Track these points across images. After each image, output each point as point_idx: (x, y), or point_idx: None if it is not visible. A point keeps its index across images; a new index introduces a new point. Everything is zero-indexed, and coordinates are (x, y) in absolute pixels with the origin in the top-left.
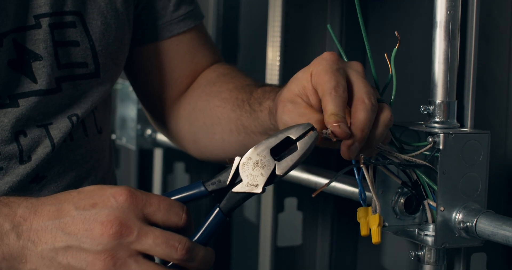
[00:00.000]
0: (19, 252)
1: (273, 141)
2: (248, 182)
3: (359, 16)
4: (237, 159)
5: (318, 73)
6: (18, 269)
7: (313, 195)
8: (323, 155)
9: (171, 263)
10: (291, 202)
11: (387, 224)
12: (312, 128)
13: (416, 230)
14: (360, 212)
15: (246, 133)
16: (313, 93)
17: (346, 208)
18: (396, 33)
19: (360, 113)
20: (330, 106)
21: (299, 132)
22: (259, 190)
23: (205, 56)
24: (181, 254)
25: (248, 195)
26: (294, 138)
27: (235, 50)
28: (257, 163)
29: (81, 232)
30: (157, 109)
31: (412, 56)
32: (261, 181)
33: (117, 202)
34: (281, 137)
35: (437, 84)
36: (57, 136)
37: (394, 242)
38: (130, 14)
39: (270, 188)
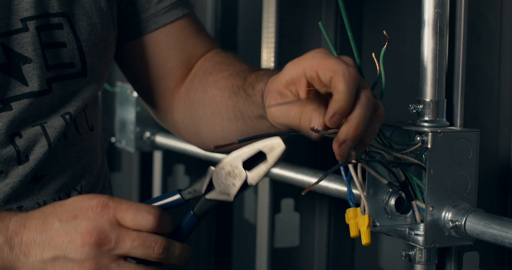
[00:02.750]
0: (13, 264)
1: (245, 153)
2: (220, 191)
3: (343, 15)
4: (211, 168)
5: (318, 62)
6: None
7: (302, 194)
8: (321, 156)
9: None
10: (288, 203)
11: (378, 224)
12: (283, 143)
13: (407, 229)
14: (349, 213)
15: (244, 120)
16: (303, 86)
17: (343, 208)
18: (384, 32)
19: (357, 109)
20: (342, 87)
21: (270, 145)
22: (230, 198)
23: (197, 44)
24: (158, 253)
25: (218, 202)
26: (264, 151)
27: (234, 51)
28: (229, 174)
29: (65, 243)
30: (156, 102)
31: (403, 54)
32: (233, 191)
33: (94, 213)
34: (253, 150)
35: (426, 82)
36: (53, 135)
37: (391, 242)
38: (114, 13)
39: (266, 189)
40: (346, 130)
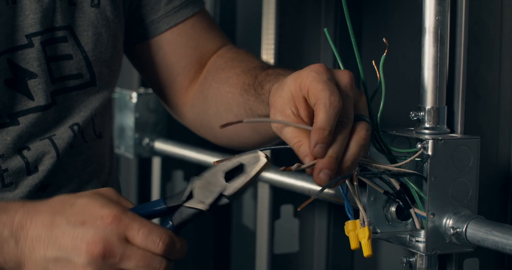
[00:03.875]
0: (18, 258)
1: (227, 165)
2: (198, 199)
3: (348, 22)
4: (194, 178)
5: (309, 84)
6: None
7: (298, 209)
8: None
9: None
10: (287, 209)
11: (379, 230)
12: (264, 156)
13: (408, 236)
14: (348, 225)
15: (254, 117)
16: (302, 104)
17: (342, 214)
18: (384, 39)
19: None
20: (321, 117)
21: (251, 159)
22: (204, 207)
23: (210, 41)
24: None
25: (196, 212)
26: (245, 163)
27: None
28: (210, 183)
29: (70, 247)
30: (171, 99)
31: (403, 62)
32: (209, 199)
33: (103, 223)
34: (235, 162)
35: (427, 90)
36: (61, 146)
37: (390, 249)
38: (121, 19)
39: (266, 195)
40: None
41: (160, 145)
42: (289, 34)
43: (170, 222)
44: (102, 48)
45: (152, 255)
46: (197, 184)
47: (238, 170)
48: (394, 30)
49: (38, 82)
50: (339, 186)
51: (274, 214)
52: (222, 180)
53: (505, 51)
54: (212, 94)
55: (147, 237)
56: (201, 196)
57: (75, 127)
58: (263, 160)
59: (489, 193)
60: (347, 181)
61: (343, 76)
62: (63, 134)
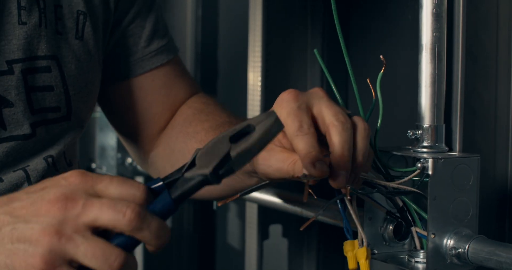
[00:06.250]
0: None
1: (233, 130)
2: (200, 166)
3: (339, 37)
4: (196, 150)
5: (280, 117)
6: None
7: (301, 229)
8: None
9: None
10: (276, 229)
11: (376, 251)
12: (275, 114)
13: (406, 257)
14: (347, 245)
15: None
16: (282, 136)
17: (332, 234)
18: (381, 57)
19: (334, 137)
20: (300, 146)
21: (261, 117)
22: (207, 170)
23: (182, 89)
24: (129, 218)
25: (197, 181)
26: (253, 124)
27: (215, 76)
28: (214, 150)
29: (28, 213)
30: (137, 146)
31: (396, 80)
32: (213, 163)
33: (67, 182)
34: (242, 125)
35: (425, 108)
36: (35, 179)
37: (381, 268)
38: (100, 55)
39: (254, 215)
40: (334, 161)
41: None
42: (276, 53)
43: (167, 192)
44: (83, 83)
45: (120, 199)
46: (200, 153)
47: (247, 132)
48: (383, 46)
49: (14, 111)
50: (339, 205)
51: (263, 234)
52: (227, 143)
53: (501, 67)
54: (179, 148)
55: (122, 184)
56: (203, 162)
57: (49, 159)
58: (274, 117)
59: (487, 212)
60: (346, 200)
61: (316, 91)
62: (37, 165)
